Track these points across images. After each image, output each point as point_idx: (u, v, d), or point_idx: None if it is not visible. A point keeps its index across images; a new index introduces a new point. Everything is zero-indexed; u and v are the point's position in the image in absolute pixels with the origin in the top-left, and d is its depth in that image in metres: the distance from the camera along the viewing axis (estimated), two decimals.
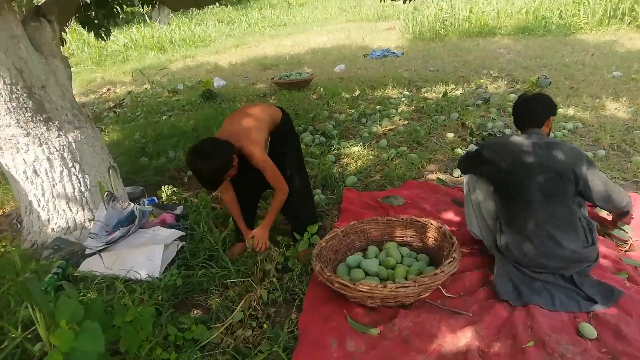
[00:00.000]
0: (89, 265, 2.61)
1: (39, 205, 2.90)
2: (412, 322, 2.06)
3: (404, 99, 5.80)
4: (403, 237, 2.68)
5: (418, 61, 8.38)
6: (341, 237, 2.61)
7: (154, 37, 13.95)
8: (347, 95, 6.25)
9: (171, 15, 18.32)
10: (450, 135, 4.41)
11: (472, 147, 4.07)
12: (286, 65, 9.36)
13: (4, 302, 2.28)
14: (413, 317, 2.09)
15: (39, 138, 2.76)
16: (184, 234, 2.85)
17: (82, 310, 1.66)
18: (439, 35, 10.68)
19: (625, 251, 2.53)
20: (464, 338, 1.96)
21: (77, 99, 8.45)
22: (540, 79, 5.81)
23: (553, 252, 2.16)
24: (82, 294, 2.38)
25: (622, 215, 2.54)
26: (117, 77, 10.19)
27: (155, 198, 3.44)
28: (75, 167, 2.90)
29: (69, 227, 2.95)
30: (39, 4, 3.15)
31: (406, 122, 4.92)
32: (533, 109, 2.36)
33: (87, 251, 2.74)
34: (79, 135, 2.94)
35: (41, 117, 2.76)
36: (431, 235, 2.53)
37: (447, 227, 2.79)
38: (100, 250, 2.69)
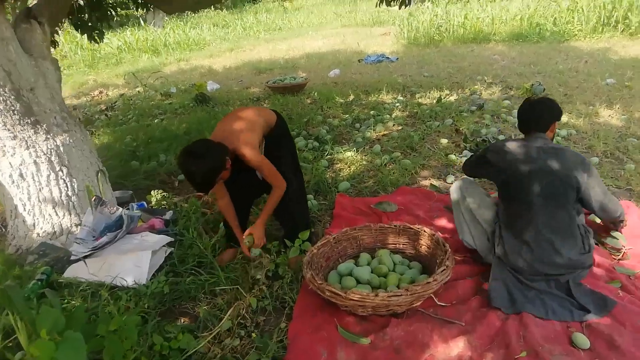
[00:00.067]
0: (74, 272, 2.56)
1: (24, 210, 2.84)
2: (404, 332, 2.02)
3: (398, 104, 5.78)
4: (396, 244, 2.65)
5: (413, 67, 8.38)
6: (333, 244, 2.57)
7: (148, 40, 13.89)
8: (341, 100, 6.22)
9: (166, 18, 18.30)
10: (444, 141, 4.39)
11: (466, 153, 4.05)
12: (281, 70, 9.33)
13: None
14: (405, 327, 2.05)
15: (26, 141, 2.71)
16: (172, 239, 2.80)
17: (64, 320, 1.61)
18: (434, 41, 10.70)
19: (619, 260, 2.50)
20: (456, 348, 1.92)
21: (68, 102, 8.41)
22: (534, 86, 5.81)
23: (550, 259, 2.15)
24: (66, 301, 2.32)
25: (615, 224, 2.53)
26: (110, 80, 10.12)
27: (144, 203, 3.39)
28: (62, 171, 2.85)
29: (54, 232, 2.89)
30: (30, 5, 3.10)
31: (400, 128, 4.89)
32: (539, 113, 2.34)
33: (73, 257, 2.68)
34: (68, 138, 2.89)
35: (29, 120, 2.71)
36: (424, 243, 2.50)
37: (440, 234, 2.77)
38: (86, 256, 2.64)
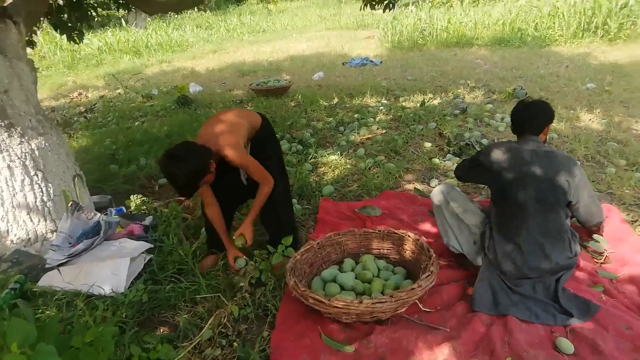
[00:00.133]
0: (49, 280, 2.47)
1: None
2: (388, 339, 1.99)
3: (382, 107, 5.77)
4: (380, 249, 2.62)
5: (396, 70, 8.40)
6: (317, 250, 2.54)
7: (130, 41, 13.71)
8: (325, 103, 6.20)
9: (148, 19, 18.09)
10: (428, 144, 4.39)
11: (450, 157, 4.05)
12: (264, 72, 9.28)
13: None
14: (389, 333, 2.02)
15: (0, 145, 2.62)
16: (152, 246, 2.74)
17: (35, 332, 1.54)
18: (418, 45, 10.76)
19: (601, 263, 2.52)
20: (441, 355, 1.90)
21: (47, 103, 8.25)
22: (516, 90, 5.87)
23: (539, 262, 2.15)
24: (40, 310, 2.24)
25: (593, 227, 2.55)
26: (90, 81, 9.95)
27: (123, 208, 3.31)
28: (37, 176, 2.76)
29: (29, 238, 2.80)
30: (5, 4, 3.00)
31: (384, 131, 4.88)
32: (532, 116, 2.33)
33: (48, 264, 2.60)
34: (43, 142, 2.80)
35: (2, 123, 2.63)
36: (408, 248, 2.48)
37: (424, 238, 2.75)
38: (62, 264, 2.55)
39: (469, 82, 6.93)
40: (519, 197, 2.19)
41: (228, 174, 2.59)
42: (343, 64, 9.41)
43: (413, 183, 3.70)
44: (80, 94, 8.73)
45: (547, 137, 4.23)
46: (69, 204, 2.81)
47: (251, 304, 2.27)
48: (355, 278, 2.36)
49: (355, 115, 5.50)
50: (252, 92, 7.13)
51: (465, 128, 4.81)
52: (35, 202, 2.78)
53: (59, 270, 2.45)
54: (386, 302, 1.97)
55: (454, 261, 2.59)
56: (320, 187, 3.65)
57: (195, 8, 19.76)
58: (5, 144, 2.64)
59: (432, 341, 1.96)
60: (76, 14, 5.33)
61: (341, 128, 5.14)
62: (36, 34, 6.89)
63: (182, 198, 3.45)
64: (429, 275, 2.08)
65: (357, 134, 4.86)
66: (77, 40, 5.49)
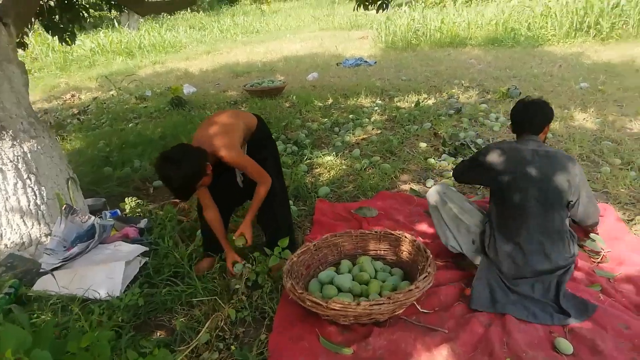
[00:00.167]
0: (43, 284, 2.44)
1: None
2: (386, 341, 1.98)
3: (376, 108, 5.77)
4: (377, 250, 2.61)
5: (391, 70, 8.41)
6: (313, 252, 2.52)
7: (122, 42, 13.64)
8: (320, 104, 6.18)
9: (141, 20, 18.02)
10: (423, 145, 4.39)
11: (445, 157, 4.05)
12: (258, 73, 9.26)
13: None
14: (387, 335, 2.01)
15: None
16: (147, 249, 2.71)
17: (30, 338, 1.52)
18: (411, 45, 10.78)
19: (598, 263, 2.52)
20: (440, 357, 1.89)
21: (39, 105, 8.18)
22: (510, 90, 5.88)
23: (539, 262, 2.16)
24: (35, 315, 2.22)
25: (589, 227, 2.56)
26: (83, 83, 9.88)
27: (118, 210, 3.28)
28: (30, 179, 2.73)
29: (23, 242, 2.77)
30: None
31: (379, 132, 4.88)
32: (533, 115, 2.33)
33: (43, 268, 2.57)
34: (35, 145, 2.77)
35: None
36: (405, 249, 2.47)
37: (421, 239, 2.76)
38: (56, 268, 2.52)
39: (463, 82, 6.94)
40: (520, 197, 2.19)
41: (224, 176, 2.58)
42: (337, 64, 9.40)
43: (409, 183, 3.70)
44: (73, 95, 8.66)
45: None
46: (63, 207, 2.78)
47: (248, 307, 2.25)
48: (353, 280, 2.35)
49: (350, 116, 5.49)
50: (246, 93, 7.10)
51: (460, 128, 4.82)
52: (29, 205, 2.75)
53: (52, 274, 2.41)
54: (384, 304, 1.96)
55: (452, 262, 2.59)
56: (316, 188, 3.64)
57: (188, 9, 19.71)
58: None
59: (430, 343, 1.95)
60: (68, 15, 5.29)
61: (336, 129, 5.13)
62: (27, 36, 6.81)
63: (178, 200, 3.43)
64: (426, 276, 2.08)
65: (352, 134, 4.85)
66: (69, 42, 5.45)
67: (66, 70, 11.72)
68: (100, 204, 3.42)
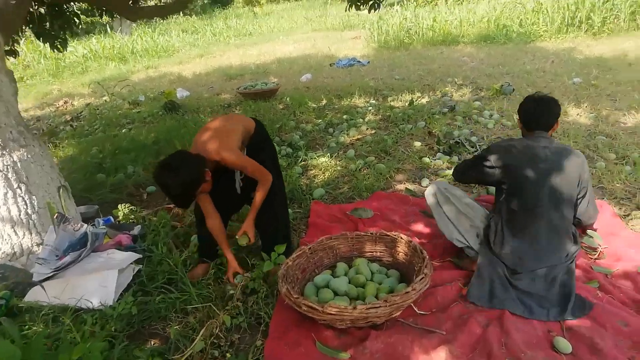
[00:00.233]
0: (35, 295, 2.41)
1: None
2: (383, 344, 1.96)
3: (370, 108, 5.76)
4: (373, 252, 2.59)
5: (384, 70, 8.39)
6: (309, 255, 2.50)
7: (115, 47, 13.59)
8: (314, 105, 6.16)
9: (133, 25, 17.96)
10: (418, 144, 4.38)
11: (440, 156, 4.03)
12: (252, 75, 9.23)
13: None
14: (385, 338, 1.98)
15: None
16: (141, 256, 2.68)
17: (19, 353, 1.49)
18: (404, 44, 10.77)
19: (595, 259, 2.51)
20: (438, 359, 1.87)
21: (32, 112, 8.13)
22: (503, 87, 5.87)
23: (547, 258, 2.16)
24: (27, 327, 2.18)
25: (586, 225, 2.55)
26: (75, 89, 9.83)
27: (111, 217, 3.25)
28: (21, 188, 2.69)
29: (14, 252, 2.73)
30: None
31: (373, 132, 4.86)
32: (545, 112, 2.31)
33: (35, 278, 2.53)
34: (25, 153, 2.73)
35: None
36: (401, 250, 2.45)
37: (417, 239, 2.74)
38: (48, 278, 2.48)
39: (456, 79, 6.93)
40: (532, 193, 2.18)
41: (222, 182, 2.55)
42: (330, 65, 9.38)
43: (404, 183, 3.68)
44: (65, 102, 8.61)
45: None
46: (55, 216, 2.74)
47: (243, 313, 2.22)
48: (349, 282, 2.32)
49: (344, 116, 5.47)
50: (240, 95, 7.07)
51: (454, 126, 4.80)
52: (20, 215, 2.71)
53: (42, 286, 2.37)
54: (380, 307, 1.93)
55: (448, 261, 2.57)
56: (311, 190, 3.61)
57: (181, 13, 19.66)
58: None
59: (428, 345, 1.93)
60: (58, 22, 5.25)
61: (330, 129, 5.11)
62: (19, 43, 6.77)
63: (172, 206, 3.40)
64: (422, 277, 2.05)
65: (347, 135, 4.83)
66: (61, 49, 5.41)
67: (58, 76, 11.66)
68: (93, 212, 3.39)
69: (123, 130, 5.97)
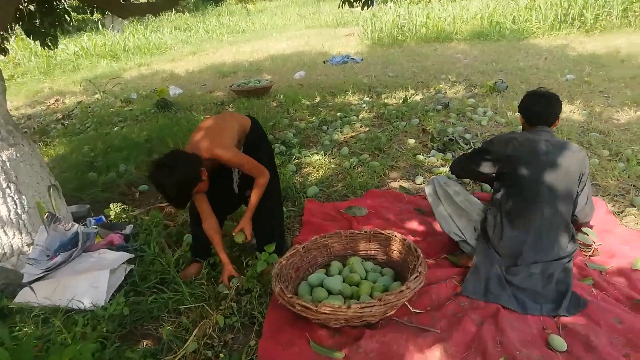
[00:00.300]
0: (26, 296, 2.37)
1: None
2: (378, 343, 1.95)
3: (364, 105, 5.74)
4: (367, 250, 2.58)
5: (377, 67, 8.38)
6: (302, 254, 2.48)
7: (107, 44, 13.47)
8: (308, 102, 6.14)
9: (125, 22, 17.82)
10: (412, 141, 4.37)
11: (434, 153, 4.03)
12: (245, 73, 9.18)
13: None
14: (379, 338, 1.97)
15: None
16: (132, 256, 2.65)
17: (7, 354, 1.46)
18: (397, 41, 10.76)
19: (589, 256, 2.51)
20: (433, 357, 1.86)
21: (22, 111, 8.05)
22: (497, 83, 5.88)
23: (546, 252, 2.16)
24: (18, 328, 2.15)
25: (582, 224, 2.55)
26: (67, 87, 9.74)
27: (102, 217, 3.21)
28: (10, 188, 2.65)
29: (4, 253, 2.69)
30: None
31: (367, 129, 4.85)
32: (550, 107, 2.31)
33: (25, 279, 2.50)
34: (14, 153, 2.69)
35: None
36: (395, 248, 2.44)
37: (411, 237, 2.73)
38: (38, 279, 2.45)
39: (450, 76, 6.93)
40: (532, 185, 2.18)
41: (219, 181, 2.53)
42: (324, 62, 9.36)
43: (398, 181, 3.67)
44: (57, 100, 8.53)
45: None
46: (45, 216, 2.71)
47: (237, 313, 2.20)
48: (343, 281, 2.30)
49: (338, 114, 5.45)
50: (233, 93, 7.03)
51: (448, 123, 4.79)
52: (9, 215, 2.67)
53: (31, 288, 2.34)
54: (375, 306, 1.92)
55: (443, 258, 2.56)
56: (304, 188, 3.59)
57: (173, 10, 19.53)
58: None
59: (423, 344, 1.92)
60: (48, 19, 5.18)
61: (324, 127, 5.09)
62: (9, 41, 6.70)
63: (166, 205, 3.37)
64: (417, 276, 2.04)
65: (341, 132, 4.81)
66: (52, 46, 5.35)
67: (50, 74, 11.55)
68: (85, 211, 3.35)
69: (115, 129, 5.91)
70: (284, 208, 3.25)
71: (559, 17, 9.82)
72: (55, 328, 2.05)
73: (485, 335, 1.93)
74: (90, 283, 2.36)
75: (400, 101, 5.74)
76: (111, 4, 4.72)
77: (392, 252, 2.46)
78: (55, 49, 5.94)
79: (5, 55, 5.84)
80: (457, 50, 9.26)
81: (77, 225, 2.79)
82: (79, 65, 12.24)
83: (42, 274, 2.50)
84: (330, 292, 2.23)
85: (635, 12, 9.26)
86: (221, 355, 1.96)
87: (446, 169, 3.74)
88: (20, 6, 4.60)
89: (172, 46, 14.23)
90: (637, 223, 2.77)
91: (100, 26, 17.22)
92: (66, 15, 5.38)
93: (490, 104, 5.31)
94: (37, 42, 5.27)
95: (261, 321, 2.15)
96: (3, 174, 2.61)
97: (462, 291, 2.22)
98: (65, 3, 5.60)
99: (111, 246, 2.77)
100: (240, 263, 2.60)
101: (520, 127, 2.55)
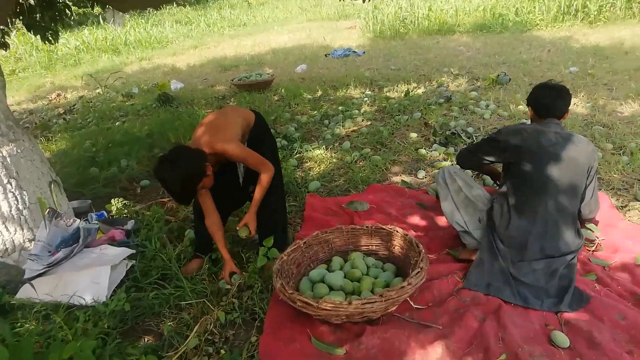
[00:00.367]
0: (27, 292, 2.37)
1: None
2: (379, 339, 1.94)
3: (366, 98, 5.71)
4: (368, 246, 2.57)
5: (379, 60, 8.33)
6: (304, 249, 2.47)
7: (108, 39, 13.43)
8: (309, 96, 6.11)
9: (126, 16, 17.76)
10: (414, 135, 4.34)
11: (436, 147, 4.00)
12: (246, 66, 9.15)
13: None
14: (381, 334, 1.97)
15: None
16: (134, 251, 2.64)
17: (7, 354, 1.46)
18: (400, 34, 10.69)
19: (593, 251, 2.49)
20: (434, 354, 1.85)
21: (24, 106, 8.04)
22: (500, 76, 5.83)
23: (552, 242, 2.15)
24: (19, 324, 2.15)
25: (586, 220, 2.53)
26: (68, 82, 9.73)
27: (104, 212, 3.21)
28: (11, 184, 2.65)
29: (6, 249, 2.69)
30: None
31: (369, 123, 4.82)
32: (554, 100, 2.28)
33: (27, 275, 2.50)
34: (15, 148, 2.68)
35: None
36: (397, 244, 2.43)
37: (413, 232, 2.72)
38: (39, 274, 2.45)
39: (452, 69, 6.88)
40: (540, 175, 2.16)
41: (224, 177, 2.52)
42: (325, 55, 9.31)
43: (400, 175, 3.65)
44: (58, 95, 8.53)
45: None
46: (46, 212, 2.70)
47: (238, 309, 2.20)
48: (344, 277, 2.30)
49: (340, 108, 5.42)
50: (235, 87, 7.01)
51: (451, 117, 4.76)
52: (10, 211, 2.67)
53: (31, 284, 2.34)
54: (376, 302, 1.91)
55: (446, 254, 2.55)
56: (306, 183, 3.58)
57: (174, 3, 19.43)
58: None
59: (425, 340, 1.91)
60: (49, 14, 5.17)
61: (326, 121, 5.07)
62: (9, 36, 6.65)
63: (168, 201, 3.37)
64: (418, 271, 2.03)
65: (342, 126, 4.79)
66: (52, 41, 5.33)
67: (51, 69, 11.54)
68: (86, 206, 3.35)
69: (116, 123, 5.91)
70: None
71: (562, 9, 9.74)
72: (57, 324, 2.05)
73: (487, 331, 1.92)
74: (91, 279, 2.36)
75: (402, 94, 5.71)
76: None
77: (394, 248, 2.45)
78: (56, 44, 5.93)
79: (6, 50, 5.83)
80: (459, 42, 9.19)
81: (78, 220, 2.79)
82: (80, 60, 12.22)
83: (43, 270, 2.50)
84: (331, 288, 2.22)
85: (639, 3, 9.17)
86: (222, 351, 1.96)
87: (448, 162, 3.72)
88: (21, 0, 4.58)
89: (173, 40, 14.18)
90: None
91: (101, 20, 17.18)
92: (66, 10, 5.36)
93: (492, 97, 5.28)
94: (38, 37, 5.26)
95: (262, 317, 2.15)
96: (4, 170, 2.61)
97: (465, 284, 2.22)
98: None
99: (112, 242, 2.77)
100: (242, 259, 2.59)
101: (527, 121, 2.53)
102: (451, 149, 3.93)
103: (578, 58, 6.73)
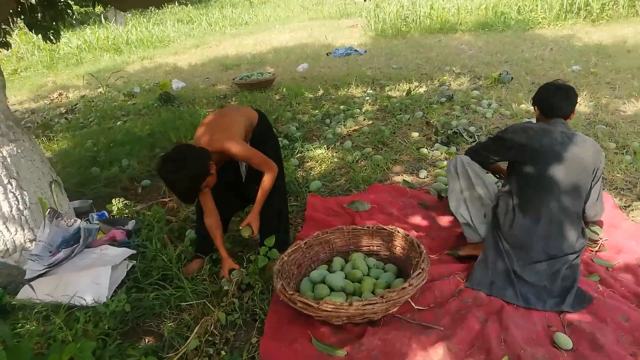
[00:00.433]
0: (28, 292, 2.37)
1: None
2: (380, 341, 1.93)
3: (368, 98, 5.69)
4: (369, 246, 2.55)
5: (381, 59, 8.31)
6: (304, 250, 2.46)
7: (109, 38, 13.44)
8: (311, 95, 6.10)
9: (128, 15, 17.76)
10: (415, 134, 4.33)
11: (438, 146, 3.99)
12: (248, 65, 9.14)
13: None
14: (382, 335, 1.96)
15: None
16: (134, 252, 2.64)
17: (4, 354, 1.45)
18: (401, 32, 10.66)
19: (596, 252, 2.47)
20: (436, 356, 1.84)
21: (26, 105, 8.05)
22: (502, 75, 5.81)
23: (556, 243, 2.14)
24: (20, 325, 2.15)
25: (591, 221, 2.51)
26: (70, 81, 9.73)
27: (105, 212, 3.20)
28: (11, 184, 2.64)
29: (7, 249, 2.69)
30: None
31: (370, 122, 4.81)
32: (560, 99, 2.27)
33: (28, 275, 2.50)
34: (15, 148, 2.68)
35: None
36: (398, 244, 2.41)
37: (414, 232, 2.70)
38: (40, 275, 2.45)
39: (454, 68, 6.86)
40: (546, 174, 2.15)
41: (226, 176, 2.51)
42: (327, 54, 9.29)
43: (402, 175, 3.64)
44: (60, 94, 8.53)
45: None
46: (47, 212, 2.70)
47: (239, 310, 2.19)
48: (345, 278, 2.29)
49: (341, 107, 5.41)
50: (236, 86, 6.99)
51: (452, 116, 4.75)
52: (11, 211, 2.66)
53: (31, 285, 2.34)
54: (377, 303, 1.90)
55: (447, 254, 2.54)
56: (307, 182, 3.57)
57: (176, 2, 19.44)
58: None
59: (426, 341, 1.90)
60: (50, 13, 5.16)
61: (327, 120, 5.05)
62: (11, 35, 6.66)
63: (168, 201, 3.36)
64: (420, 272, 2.02)
65: (344, 126, 4.78)
66: (54, 40, 5.32)
67: (53, 68, 11.55)
68: (87, 206, 3.34)
69: (118, 123, 5.90)
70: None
71: (564, 7, 9.70)
72: (57, 325, 2.04)
73: (489, 333, 1.91)
74: (92, 279, 2.36)
75: (404, 93, 5.69)
76: None
77: (395, 248, 2.44)
78: (58, 43, 5.93)
79: (8, 49, 5.83)
80: (461, 41, 9.17)
81: (79, 220, 2.78)
82: (82, 59, 12.23)
83: (44, 270, 2.49)
84: (332, 289, 2.21)
85: None
86: (223, 352, 1.95)
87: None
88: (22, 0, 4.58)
89: (174, 39, 14.17)
90: None
91: (103, 19, 17.18)
92: (68, 9, 5.35)
93: (495, 96, 5.25)
94: (40, 36, 5.26)
95: (263, 318, 2.14)
96: (4, 170, 2.60)
97: (468, 283, 2.21)
98: None
99: (113, 242, 2.77)
100: (242, 259, 2.58)
101: (531, 120, 2.51)
102: (453, 149, 3.92)
103: (580, 56, 6.70)
